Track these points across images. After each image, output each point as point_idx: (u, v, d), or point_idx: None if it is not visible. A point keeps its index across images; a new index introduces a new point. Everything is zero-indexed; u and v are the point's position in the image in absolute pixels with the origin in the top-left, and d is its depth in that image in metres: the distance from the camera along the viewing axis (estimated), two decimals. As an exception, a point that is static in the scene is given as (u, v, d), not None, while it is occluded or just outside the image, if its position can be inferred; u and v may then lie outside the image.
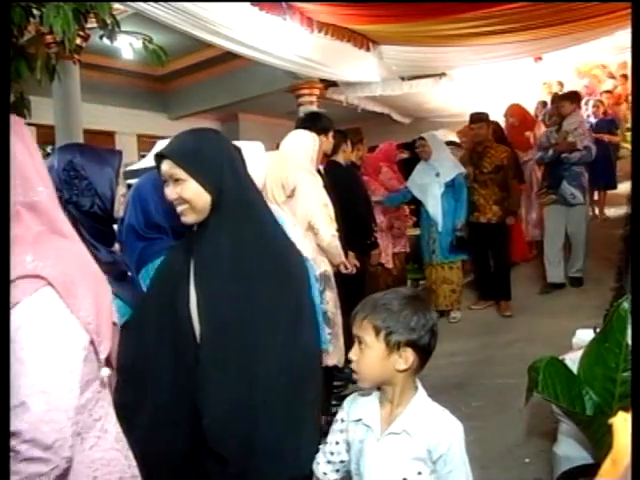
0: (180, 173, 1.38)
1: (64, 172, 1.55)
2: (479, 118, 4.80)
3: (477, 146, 4.79)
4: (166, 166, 1.41)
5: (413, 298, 1.28)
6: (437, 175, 4.64)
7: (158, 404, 1.37)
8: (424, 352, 1.28)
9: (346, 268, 3.04)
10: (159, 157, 1.43)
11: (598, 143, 6.46)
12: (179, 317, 1.40)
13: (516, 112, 6.01)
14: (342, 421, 1.36)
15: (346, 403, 1.38)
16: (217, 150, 1.45)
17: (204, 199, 1.38)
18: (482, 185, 4.71)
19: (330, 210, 2.90)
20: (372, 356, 1.25)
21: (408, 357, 1.24)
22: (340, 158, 3.82)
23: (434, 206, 4.66)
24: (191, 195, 1.38)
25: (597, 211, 7.03)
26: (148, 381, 1.39)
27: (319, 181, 2.92)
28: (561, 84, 8.80)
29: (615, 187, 6.91)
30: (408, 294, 1.30)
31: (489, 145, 4.77)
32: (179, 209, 1.41)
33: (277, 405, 1.35)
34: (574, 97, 5.17)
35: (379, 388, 1.31)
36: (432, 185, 4.67)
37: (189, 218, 1.41)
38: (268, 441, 1.34)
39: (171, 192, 1.41)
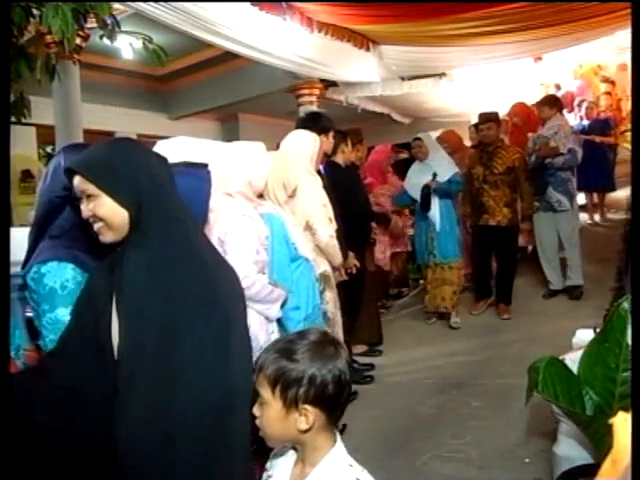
0: (91, 188, 1.28)
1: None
2: (487, 118, 4.72)
3: (487, 146, 4.70)
4: (76, 181, 1.30)
5: (318, 344, 1.10)
6: (434, 175, 4.60)
7: (78, 434, 1.28)
8: (331, 406, 1.08)
9: (343, 275, 3.06)
10: (69, 172, 1.33)
11: (590, 145, 6.30)
12: (100, 345, 1.29)
13: (520, 111, 5.86)
14: (266, 470, 1.23)
15: (272, 453, 1.23)
16: (132, 162, 1.32)
17: (120, 216, 1.28)
18: (492, 186, 4.62)
19: (329, 211, 2.90)
20: (271, 415, 1.08)
21: (309, 416, 1.06)
22: (339, 159, 3.79)
23: (432, 205, 4.60)
24: (105, 212, 1.28)
25: (597, 215, 6.86)
26: (70, 408, 1.29)
27: (319, 181, 2.92)
28: (558, 87, 8.74)
29: (613, 189, 6.74)
30: (313, 339, 1.11)
31: (500, 145, 4.69)
32: (95, 227, 1.31)
33: (200, 438, 1.24)
34: (553, 101, 5.06)
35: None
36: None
37: (107, 237, 1.31)
38: (189, 476, 1.24)
39: (84, 209, 1.31)
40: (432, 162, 4.61)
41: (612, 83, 8.75)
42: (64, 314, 1.48)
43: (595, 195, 6.96)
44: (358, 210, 3.76)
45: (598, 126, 6.91)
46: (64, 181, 1.54)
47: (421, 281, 5.56)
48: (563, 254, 4.96)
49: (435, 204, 4.60)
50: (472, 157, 4.92)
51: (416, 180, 4.68)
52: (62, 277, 1.49)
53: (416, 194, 4.66)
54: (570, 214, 4.84)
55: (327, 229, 2.82)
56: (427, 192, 4.55)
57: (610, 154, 6.91)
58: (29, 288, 1.52)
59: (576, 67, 9.09)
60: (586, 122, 7.07)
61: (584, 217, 6.61)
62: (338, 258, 2.96)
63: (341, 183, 3.43)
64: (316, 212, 2.79)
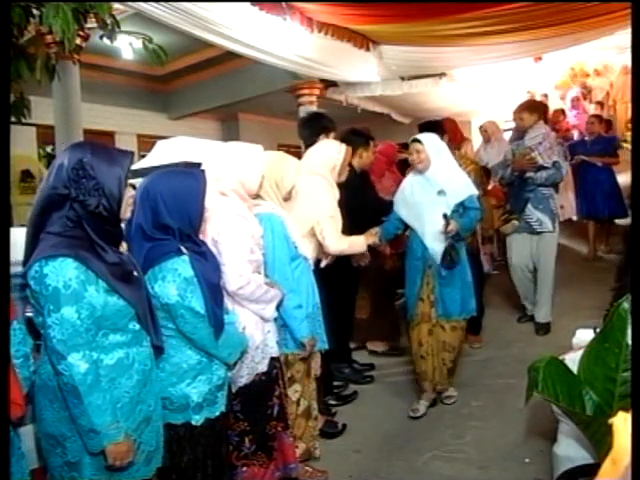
0: None
1: (73, 171, 1.55)
2: (424, 128, 3.96)
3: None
4: None
5: None
6: (440, 193, 3.14)
7: None
8: None
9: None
10: None
11: (594, 165, 5.88)
12: None
13: (447, 128, 4.91)
14: None
15: None
16: None
17: None
18: None
19: (338, 222, 2.87)
20: None
21: None
22: (355, 162, 3.55)
23: (434, 237, 3.12)
24: None
25: (601, 247, 6.18)
26: None
27: (333, 192, 2.88)
28: (546, 96, 8.53)
29: (625, 215, 5.91)
30: None
31: None
32: None
33: None
34: (533, 107, 4.42)
35: None
36: (432, 206, 3.14)
37: None
38: None
39: None
40: (437, 175, 3.19)
41: (589, 91, 8.58)
42: (70, 313, 1.47)
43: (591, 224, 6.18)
44: (365, 216, 3.63)
45: (601, 144, 6.08)
46: (65, 180, 1.55)
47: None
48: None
49: (439, 235, 3.12)
50: None
51: (411, 199, 3.26)
52: (64, 276, 1.47)
53: (411, 218, 3.26)
54: (551, 237, 4.22)
55: (335, 241, 2.80)
56: (452, 241, 3.09)
57: (615, 176, 6.11)
58: (30, 287, 1.51)
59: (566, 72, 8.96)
60: (588, 138, 6.26)
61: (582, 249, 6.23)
62: (357, 249, 2.98)
63: (349, 190, 3.19)
64: (323, 222, 2.77)
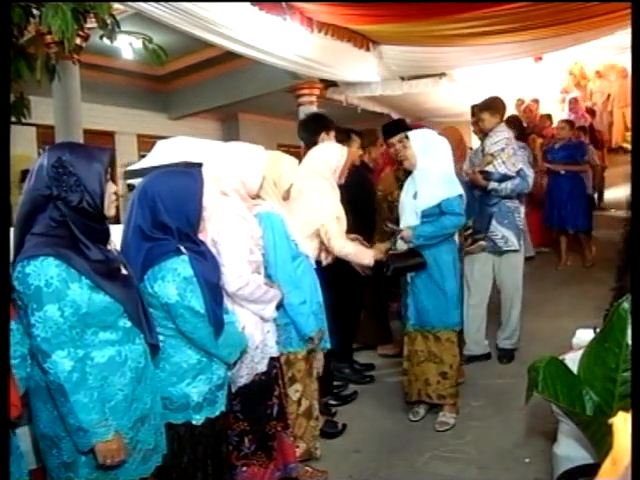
0: None
1: (52, 169, 1.55)
2: (398, 129, 3.63)
3: (403, 165, 3.25)
4: None
5: None
6: (415, 196, 2.98)
7: None
8: None
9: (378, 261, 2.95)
10: None
11: (560, 175, 5.70)
12: None
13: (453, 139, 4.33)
14: None
15: None
16: None
17: None
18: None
19: (343, 224, 2.87)
20: None
21: None
22: None
23: (400, 243, 3.07)
24: None
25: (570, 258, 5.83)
26: None
27: (335, 193, 2.88)
28: (536, 102, 8.44)
29: (589, 229, 5.72)
30: None
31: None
32: None
33: None
34: (496, 107, 3.78)
35: None
36: (406, 209, 3.04)
37: None
38: None
39: None
40: (418, 176, 3.00)
41: (590, 95, 8.46)
42: (53, 311, 1.47)
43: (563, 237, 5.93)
44: (360, 212, 3.65)
45: (568, 151, 5.76)
46: (47, 180, 1.55)
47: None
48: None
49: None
50: (388, 179, 3.93)
51: (400, 202, 3.13)
52: (46, 274, 1.47)
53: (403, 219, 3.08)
54: (517, 256, 3.77)
55: (340, 243, 2.78)
56: (398, 250, 3.01)
57: (586, 185, 5.89)
58: (14, 288, 1.50)
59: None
60: (557, 145, 5.94)
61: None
62: (362, 260, 2.91)
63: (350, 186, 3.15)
64: (329, 224, 2.77)
